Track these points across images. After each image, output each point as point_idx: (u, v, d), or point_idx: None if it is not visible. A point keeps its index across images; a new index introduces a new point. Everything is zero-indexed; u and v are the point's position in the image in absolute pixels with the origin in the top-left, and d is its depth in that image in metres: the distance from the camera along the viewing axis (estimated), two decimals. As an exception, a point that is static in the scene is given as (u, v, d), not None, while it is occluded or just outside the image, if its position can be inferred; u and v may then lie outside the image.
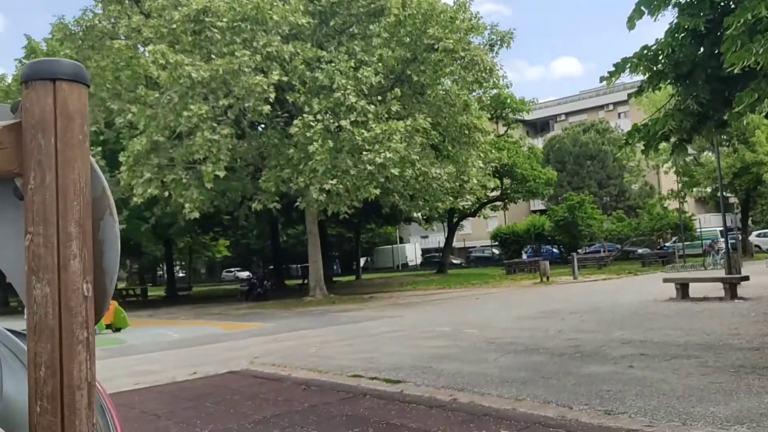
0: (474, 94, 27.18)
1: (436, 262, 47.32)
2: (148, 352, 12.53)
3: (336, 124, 19.75)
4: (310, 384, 7.72)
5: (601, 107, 59.66)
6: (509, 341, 10.30)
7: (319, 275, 25.40)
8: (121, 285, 63.08)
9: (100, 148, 23.66)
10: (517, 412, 5.82)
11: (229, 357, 10.88)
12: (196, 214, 20.13)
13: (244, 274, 60.80)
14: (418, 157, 20.56)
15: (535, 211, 53.99)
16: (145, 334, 16.22)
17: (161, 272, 68.12)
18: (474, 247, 59.00)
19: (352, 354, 10.17)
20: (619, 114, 57.36)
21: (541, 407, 5.91)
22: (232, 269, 71.90)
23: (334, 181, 19.45)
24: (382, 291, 28.83)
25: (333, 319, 16.85)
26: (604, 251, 39.75)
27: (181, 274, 71.51)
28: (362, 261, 58.45)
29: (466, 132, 23.62)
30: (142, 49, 23.95)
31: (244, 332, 15.34)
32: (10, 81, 38.07)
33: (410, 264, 60.07)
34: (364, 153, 19.29)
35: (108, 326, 17.14)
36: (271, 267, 45.35)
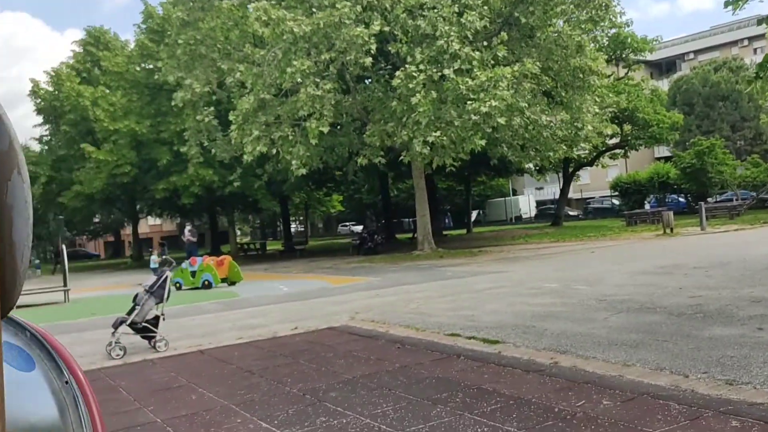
0: (589, 34, 25.43)
1: (550, 215, 45.77)
2: (256, 306, 12.85)
3: (439, 74, 19.10)
4: (404, 343, 7.51)
5: (735, 43, 54.47)
6: (622, 299, 9.59)
7: (427, 229, 25.16)
8: (245, 240, 66.27)
9: (212, 108, 24.38)
10: (623, 379, 5.29)
11: (332, 312, 10.91)
12: (303, 171, 20.35)
13: (358, 228, 61.87)
14: (527, 105, 19.55)
15: (659, 159, 50.71)
16: (257, 288, 16.73)
17: (281, 227, 70.77)
18: (592, 198, 56.53)
19: (452, 311, 9.87)
20: (755, 50, 52.17)
21: (652, 375, 5.35)
22: (347, 223, 73.41)
23: (438, 133, 18.92)
24: (492, 245, 28.22)
25: (438, 274, 16.60)
26: (736, 200, 36.69)
27: (301, 229, 74.06)
28: (474, 214, 57.70)
29: (580, 75, 22.18)
30: (250, 8, 24.23)
31: (350, 286, 15.44)
32: (132, 47, 40.10)
33: (524, 217, 58.61)
34: (469, 102, 18.56)
35: (224, 280, 17.87)
36: (382, 221, 45.78)
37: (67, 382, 1.30)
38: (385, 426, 4.51)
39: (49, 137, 46.33)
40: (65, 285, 17.44)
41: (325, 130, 19.51)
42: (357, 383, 5.77)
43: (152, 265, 23.29)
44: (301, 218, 73.16)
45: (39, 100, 43.32)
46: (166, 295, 8.73)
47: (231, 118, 21.12)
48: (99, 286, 23.20)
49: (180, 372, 6.87)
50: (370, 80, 24.45)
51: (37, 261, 44.14)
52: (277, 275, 21.63)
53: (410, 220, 54.23)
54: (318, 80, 19.59)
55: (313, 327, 9.28)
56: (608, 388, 5.06)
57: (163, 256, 23.91)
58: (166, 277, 8.78)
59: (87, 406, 1.35)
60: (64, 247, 19.53)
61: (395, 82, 19.42)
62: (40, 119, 44.99)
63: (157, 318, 8.65)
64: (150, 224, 71.24)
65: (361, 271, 19.86)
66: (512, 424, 4.36)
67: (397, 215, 54.71)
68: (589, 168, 44.55)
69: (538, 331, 7.68)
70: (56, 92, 41.23)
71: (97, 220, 60.13)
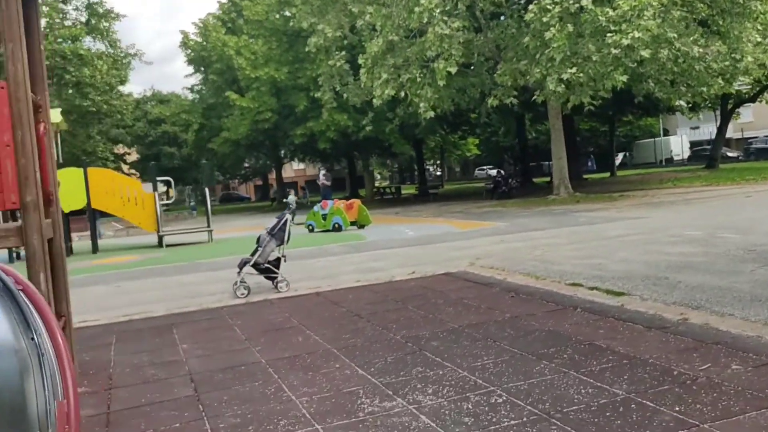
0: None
1: (706, 156, 42.18)
2: (380, 249, 12.93)
3: (576, 5, 17.73)
4: (519, 291, 7.16)
5: None
6: (776, 250, 8.55)
7: (563, 173, 24.03)
8: (383, 184, 67.37)
9: (344, 53, 24.49)
10: (761, 341, 4.66)
11: (452, 257, 10.72)
12: (431, 113, 19.98)
13: (494, 172, 60.65)
14: (676, 35, 17.73)
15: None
16: (384, 231, 16.86)
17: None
18: (755, 137, 51.28)
19: (578, 259, 9.31)
20: None
21: (798, 338, 4.66)
22: (484, 167, 72.26)
23: (574, 70, 17.69)
24: (636, 189, 26.50)
25: (570, 220, 15.82)
26: None
27: (439, 173, 74.09)
28: (619, 157, 54.53)
29: (740, 1, 19.72)
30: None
31: (476, 231, 15.12)
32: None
33: (675, 158, 54.50)
34: (608, 35, 17.13)
35: (353, 223, 18.20)
36: (519, 165, 44.49)
37: (32, 339, 1.14)
38: (482, 380, 4.27)
39: (199, 86, 49.10)
40: (209, 226, 18.57)
41: (453, 70, 18.91)
42: (461, 333, 5.56)
43: (289, 206, 24.24)
44: (438, 162, 73.06)
45: (189, 51, 45.84)
46: (286, 237, 8.93)
47: (360, 61, 21.07)
48: (242, 227, 24.53)
49: (293, 313, 7.01)
50: (504, 16, 23.34)
51: (193, 203, 47.55)
52: (406, 219, 21.72)
53: (549, 163, 52.25)
54: (446, 18, 18.92)
55: (430, 272, 9.14)
56: (741, 350, 4.47)
57: (290, 199, 24.79)
58: (286, 220, 8.96)
59: (59, 363, 1.19)
60: (207, 190, 20.72)
61: (528, 16, 18.32)
62: (191, 69, 47.67)
63: (278, 259, 8.90)
64: (294, 168, 74.40)
65: (491, 216, 19.41)
66: (621, 386, 3.96)
67: (535, 158, 52.91)
68: (751, 105, 40.37)
69: (670, 283, 7.02)
70: (204, 43, 43.40)
71: (247, 164, 63.71)
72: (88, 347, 6.24)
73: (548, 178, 38.11)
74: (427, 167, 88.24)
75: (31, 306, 1.19)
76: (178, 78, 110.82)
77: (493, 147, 60.61)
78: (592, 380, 4.10)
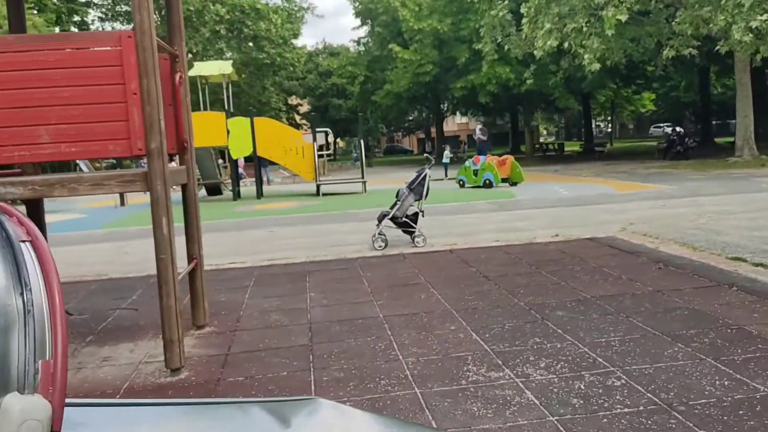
0: None
1: None
2: (528, 209, 12.45)
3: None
4: (669, 263, 6.50)
5: None
6: None
7: (749, 132, 21.57)
8: (549, 140, 64.92)
9: (507, 2, 23.48)
10: None
11: (603, 221, 10.05)
12: (597, 66, 18.62)
13: (670, 130, 56.02)
14: None
15: None
16: (536, 190, 16.22)
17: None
18: None
19: (749, 230, 8.29)
20: None
21: None
22: (661, 124, 66.96)
23: (765, 17, 15.53)
24: (838, 153, 23.21)
25: (750, 186, 14.18)
26: None
27: (609, 130, 70.07)
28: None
29: None
30: None
31: (636, 194, 14.05)
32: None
33: None
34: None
35: (504, 180, 17.68)
36: (699, 124, 40.69)
37: (21, 294, 1.11)
38: (602, 359, 3.92)
39: (366, 39, 49.84)
40: (362, 177, 18.98)
41: (623, 18, 17.40)
42: (592, 304, 5.15)
43: (444, 161, 24.08)
44: (609, 118, 69.00)
45: (357, 4, 46.49)
46: (424, 192, 8.83)
47: (523, 10, 20.09)
48: (398, 180, 24.80)
49: (422, 269, 6.92)
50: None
51: (356, 154, 48.98)
52: (563, 177, 20.74)
53: (735, 122, 47.23)
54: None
55: (575, 236, 8.62)
56: None
57: (445, 155, 24.52)
58: (425, 174, 8.84)
59: (52, 321, 1.15)
60: (362, 142, 21.13)
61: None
62: (358, 22, 48.41)
63: (416, 214, 8.83)
64: (457, 122, 73.89)
65: (657, 178, 17.96)
66: (763, 380, 3.43)
67: (720, 116, 48.10)
68: None
69: None
70: (371, -5, 43.76)
71: (410, 117, 64.24)
72: (227, 288, 6.61)
73: (732, 139, 34.53)
74: (598, 124, 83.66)
75: (34, 258, 1.12)
76: (347, 31, 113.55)
77: (672, 103, 55.82)
78: (731, 371, 3.60)
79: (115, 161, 22.61)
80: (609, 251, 7.34)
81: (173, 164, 5.17)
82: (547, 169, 26.21)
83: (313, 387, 3.79)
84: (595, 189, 15.84)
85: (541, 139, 73.94)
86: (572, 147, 46.04)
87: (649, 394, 3.35)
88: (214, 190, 20.94)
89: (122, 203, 18.27)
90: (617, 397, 3.35)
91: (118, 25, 41.75)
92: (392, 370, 3.97)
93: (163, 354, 4.19)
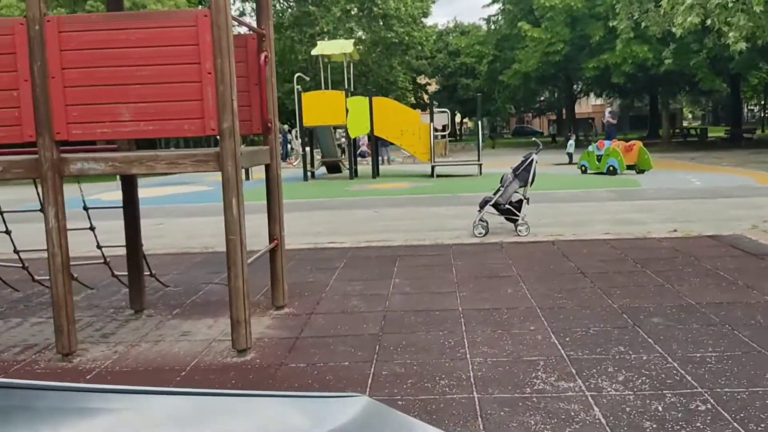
0: None
1: None
2: (651, 200, 11.58)
3: None
4: (798, 270, 5.74)
5: None
6: None
7: None
8: (693, 124, 60.50)
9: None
10: None
11: (733, 216, 9.14)
12: (743, 45, 16.85)
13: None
14: None
15: None
16: (665, 179, 15.06)
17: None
18: None
19: None
20: None
21: None
22: (825, 110, 60.38)
23: None
24: None
25: None
26: None
27: (764, 114, 64.25)
28: None
29: None
30: None
31: (780, 188, 12.68)
32: None
33: None
34: None
35: (630, 167, 16.58)
36: None
37: None
38: (690, 377, 3.48)
39: (496, 17, 48.61)
40: (479, 159, 18.55)
41: (778, -9, 15.57)
42: (695, 312, 4.63)
43: (568, 150, 22.96)
44: (763, 103, 63.15)
45: (488, -19, 45.40)
46: (530, 179, 8.41)
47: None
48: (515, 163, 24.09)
49: (517, 261, 6.58)
50: None
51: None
52: (699, 166, 19.17)
53: None
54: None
55: (695, 232, 7.87)
56: None
57: (569, 144, 23.36)
58: (532, 160, 8.41)
59: None
60: (479, 123, 20.60)
61: None
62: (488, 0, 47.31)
63: (520, 201, 8.44)
64: (591, 104, 70.65)
65: (810, 170, 16.14)
66: None
67: None
68: None
69: None
70: (502, -29, 42.54)
71: (541, 98, 62.25)
72: (317, 269, 6.63)
73: None
74: (751, 108, 76.77)
75: None
76: (479, 10, 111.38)
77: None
78: None
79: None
80: (730, 252, 6.62)
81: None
82: (683, 156, 24.35)
83: (369, 381, 3.66)
84: (733, 180, 14.48)
85: (686, 123, 68.99)
86: (717, 132, 42.56)
87: (735, 423, 2.92)
88: (334, 168, 21.31)
89: (247, 178, 19.02)
90: (697, 424, 2.95)
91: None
92: (455, 369, 3.76)
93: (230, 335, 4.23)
